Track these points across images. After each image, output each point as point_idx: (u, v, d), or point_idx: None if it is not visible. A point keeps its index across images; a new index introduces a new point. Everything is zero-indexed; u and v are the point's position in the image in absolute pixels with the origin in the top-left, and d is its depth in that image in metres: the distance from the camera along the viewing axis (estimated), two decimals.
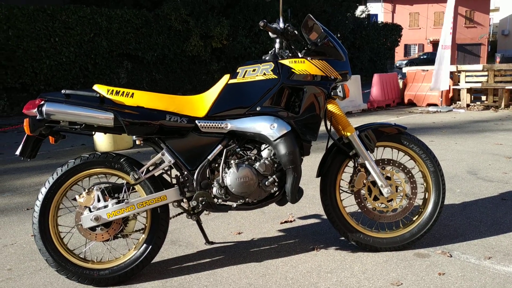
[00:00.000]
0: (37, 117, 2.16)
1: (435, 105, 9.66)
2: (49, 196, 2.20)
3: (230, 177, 2.24)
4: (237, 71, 2.36)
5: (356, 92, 9.64)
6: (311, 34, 2.43)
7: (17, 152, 2.20)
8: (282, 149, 2.24)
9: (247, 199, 2.30)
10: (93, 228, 2.21)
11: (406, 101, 10.41)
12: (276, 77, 2.32)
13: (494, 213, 3.01)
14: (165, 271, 2.39)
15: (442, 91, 9.26)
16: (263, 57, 2.46)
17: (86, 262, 2.25)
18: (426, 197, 2.53)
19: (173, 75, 15.68)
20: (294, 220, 3.08)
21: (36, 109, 2.19)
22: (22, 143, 2.19)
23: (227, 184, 2.25)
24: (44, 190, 2.21)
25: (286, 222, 3.04)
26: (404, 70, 10.76)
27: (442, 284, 2.11)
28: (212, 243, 2.74)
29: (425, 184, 2.54)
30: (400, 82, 10.66)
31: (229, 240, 2.78)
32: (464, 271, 2.22)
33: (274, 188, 2.32)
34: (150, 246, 2.29)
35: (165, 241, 2.77)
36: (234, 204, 2.29)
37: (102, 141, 6.30)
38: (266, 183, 2.28)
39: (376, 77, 10.16)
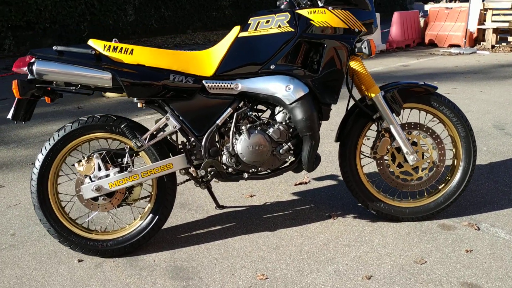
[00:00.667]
0: (28, 78, 1.96)
1: (458, 46, 9.15)
2: (47, 164, 2.04)
3: (241, 144, 2.05)
4: (249, 22, 2.09)
5: (375, 32, 9.12)
6: None
7: (9, 116, 2.01)
8: (299, 114, 2.02)
9: (259, 168, 2.11)
10: (95, 198, 2.07)
11: (427, 41, 9.87)
12: (292, 30, 2.05)
13: None
14: (174, 240, 2.27)
15: (466, 31, 8.72)
16: (278, 4, 2.18)
17: (89, 233, 2.13)
18: (455, 164, 2.32)
19: (182, 12, 15.08)
20: (309, 181, 2.91)
21: (26, 68, 1.98)
22: (13, 106, 2.00)
23: (238, 152, 2.06)
24: (41, 157, 2.04)
25: (300, 184, 2.88)
26: (427, 7, 10.11)
27: (470, 263, 1.96)
28: (222, 207, 2.60)
29: (454, 150, 2.32)
30: (422, 21, 10.07)
31: (240, 204, 2.64)
32: (494, 248, 2.06)
33: (289, 156, 2.12)
34: (157, 216, 2.15)
35: (174, 206, 2.64)
36: (246, 174, 2.11)
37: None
38: (281, 151, 2.08)
39: (396, 16, 9.58)
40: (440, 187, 2.35)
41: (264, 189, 2.81)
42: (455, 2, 10.96)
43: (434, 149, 2.27)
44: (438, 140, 2.26)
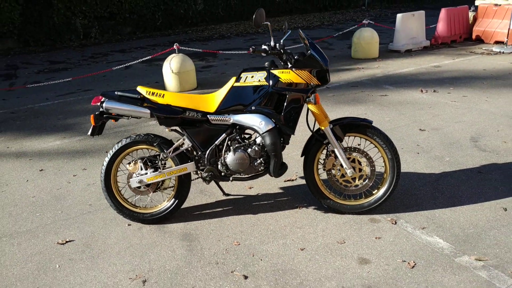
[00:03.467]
0: (99, 111, 3.18)
1: (502, 43, 9.39)
2: (110, 164, 3.27)
3: (229, 158, 3.15)
4: (241, 76, 3.14)
5: (419, 29, 9.63)
6: (304, 41, 3.11)
7: (88, 133, 3.26)
8: (267, 141, 3.07)
9: (241, 174, 3.21)
10: (138, 187, 3.29)
11: (474, 37, 10.15)
12: (267, 84, 3.08)
13: (459, 186, 3.64)
14: (189, 215, 3.45)
15: (509, 30, 8.96)
16: (266, 64, 3.18)
17: (136, 208, 3.37)
18: (384, 177, 3.26)
19: (248, 0, 16.06)
20: (296, 179, 3.96)
21: (99, 103, 3.20)
22: (91, 128, 3.24)
23: (227, 163, 3.17)
24: (106, 160, 3.28)
25: (289, 180, 3.93)
26: (477, 2, 10.32)
27: (374, 245, 2.94)
28: (228, 195, 3.74)
29: (384, 167, 3.25)
30: (471, 16, 10.32)
31: (241, 193, 3.75)
32: (396, 238, 3.01)
33: (261, 167, 3.19)
34: (177, 200, 3.33)
35: (195, 190, 3.82)
36: (231, 178, 3.22)
37: (171, 83, 7.38)
38: (256, 163, 3.16)
39: (443, 12, 9.95)
40: (373, 192, 3.30)
41: (261, 183, 3.90)
42: None
43: (367, 166, 3.22)
44: (371, 160, 3.21)
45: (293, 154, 4.49)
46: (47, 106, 7.03)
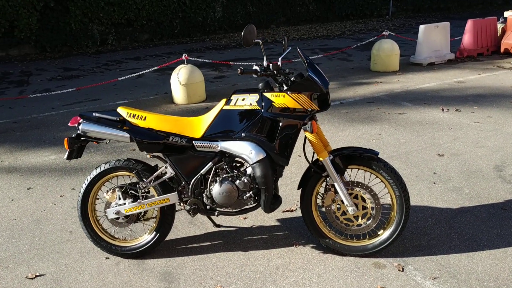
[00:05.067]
0: (73, 136, 2.89)
1: None
2: (87, 192, 2.98)
3: (215, 190, 2.81)
4: (231, 98, 2.81)
5: (443, 41, 9.15)
6: (303, 60, 2.77)
7: (64, 157, 2.97)
8: (257, 172, 2.72)
9: (229, 208, 2.86)
10: (116, 218, 2.98)
11: (502, 50, 9.59)
12: (259, 108, 2.73)
13: (479, 226, 3.21)
14: (173, 250, 3.12)
15: None
16: (259, 85, 2.84)
17: (114, 240, 3.06)
18: (391, 216, 2.86)
19: (267, 8, 15.80)
20: (295, 209, 3.59)
21: (77, 125, 2.91)
22: (67, 152, 2.95)
23: (213, 195, 2.83)
24: (83, 186, 2.98)
25: (287, 211, 3.57)
26: (506, 14, 9.76)
27: None
28: (219, 226, 3.40)
29: (391, 204, 2.86)
30: (499, 28, 9.76)
31: (233, 225, 3.41)
32: None
33: (251, 201, 2.84)
34: (158, 234, 3.01)
35: (184, 219, 3.50)
36: (216, 213, 2.88)
37: (179, 95, 7.11)
38: (244, 197, 2.81)
39: (469, 23, 9.43)
40: (379, 233, 2.91)
41: (257, 213, 3.55)
42: None
43: (372, 204, 2.83)
44: (376, 197, 2.82)
45: (295, 180, 4.12)
46: (51, 116, 6.85)
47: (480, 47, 9.57)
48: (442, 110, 5.99)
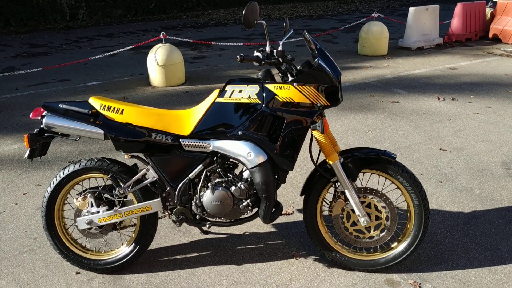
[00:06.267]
0: (35, 131, 2.40)
1: None
2: (53, 196, 2.51)
3: (206, 198, 2.39)
4: (225, 89, 2.37)
5: (432, 25, 8.83)
6: (310, 45, 2.35)
7: (25, 156, 2.49)
8: (257, 178, 2.31)
9: (222, 218, 2.45)
10: (88, 229, 2.53)
11: (490, 35, 9.36)
12: (259, 102, 2.30)
13: (497, 234, 2.91)
14: (155, 262, 2.70)
15: None
16: (258, 74, 2.40)
17: (85, 252, 2.61)
18: (408, 227, 2.51)
19: None
20: (293, 212, 3.20)
21: (40, 118, 2.42)
22: (28, 150, 2.46)
23: (204, 204, 2.41)
24: (49, 190, 2.51)
25: (284, 214, 3.18)
26: None
27: None
28: (207, 232, 2.99)
29: (408, 214, 2.50)
30: (488, 13, 9.51)
31: (223, 231, 3.00)
32: None
33: (248, 211, 2.43)
34: (138, 246, 2.58)
35: (167, 225, 3.07)
36: (207, 223, 2.46)
37: (157, 77, 6.58)
38: (241, 206, 2.40)
39: (459, 7, 9.14)
40: (392, 246, 2.56)
41: None
42: None
43: (386, 213, 2.47)
44: (391, 206, 2.46)
45: (289, 177, 3.73)
46: (15, 98, 6.22)
47: (469, 32, 9.31)
48: (438, 98, 5.68)
